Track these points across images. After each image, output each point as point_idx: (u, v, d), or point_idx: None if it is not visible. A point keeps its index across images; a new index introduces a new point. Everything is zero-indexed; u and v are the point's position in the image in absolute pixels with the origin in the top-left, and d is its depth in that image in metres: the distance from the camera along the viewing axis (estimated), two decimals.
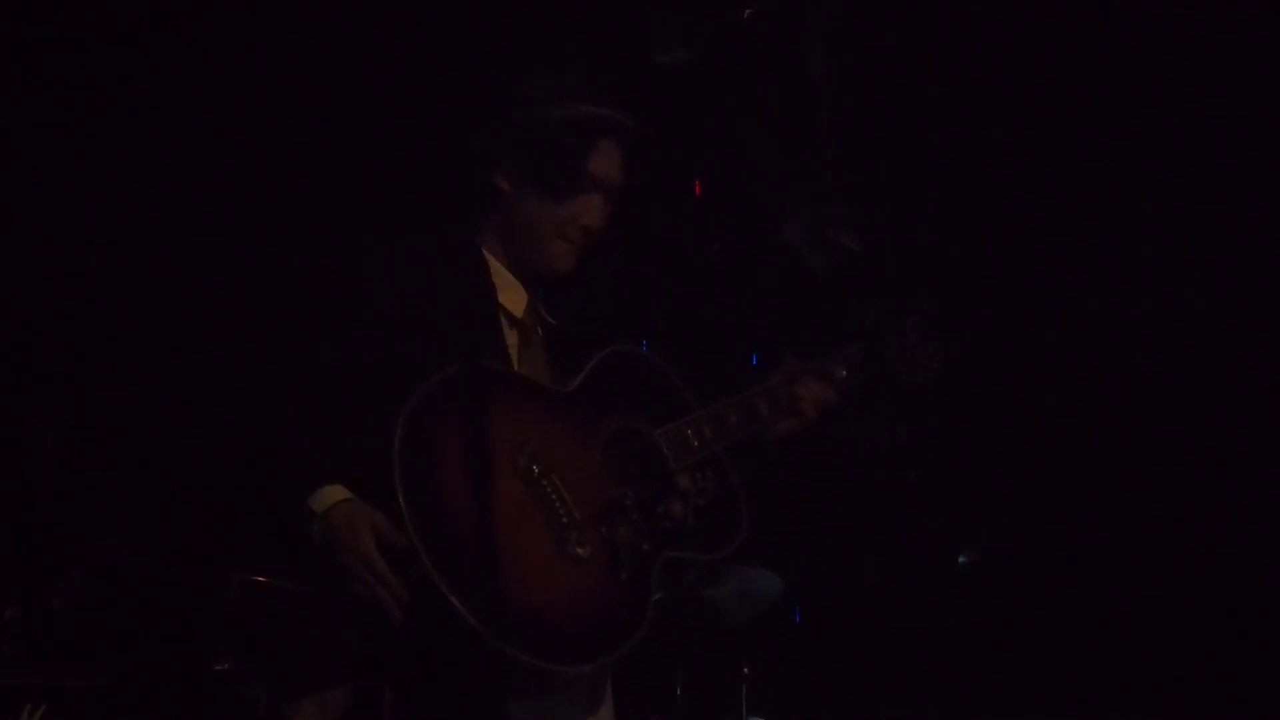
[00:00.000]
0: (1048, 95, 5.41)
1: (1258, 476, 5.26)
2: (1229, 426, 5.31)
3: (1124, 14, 5.31)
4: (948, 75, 5.38)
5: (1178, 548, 5.33)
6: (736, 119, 3.75)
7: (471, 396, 3.44)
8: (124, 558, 4.89)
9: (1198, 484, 5.33)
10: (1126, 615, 5.36)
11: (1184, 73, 5.26)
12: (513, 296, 3.73)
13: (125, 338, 5.32)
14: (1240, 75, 5.20)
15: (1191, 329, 5.33)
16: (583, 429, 3.57)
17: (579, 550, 3.43)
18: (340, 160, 5.32)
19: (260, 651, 4.77)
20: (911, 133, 5.42)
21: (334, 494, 3.39)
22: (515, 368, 3.68)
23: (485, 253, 3.75)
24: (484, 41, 5.04)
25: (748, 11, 4.18)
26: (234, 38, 5.31)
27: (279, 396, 3.49)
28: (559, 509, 3.45)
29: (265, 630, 4.79)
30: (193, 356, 5.28)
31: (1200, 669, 5.23)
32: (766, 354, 3.94)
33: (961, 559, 5.33)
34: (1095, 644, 5.38)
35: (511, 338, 3.72)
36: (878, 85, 5.22)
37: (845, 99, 4.26)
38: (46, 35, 5.18)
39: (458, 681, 3.38)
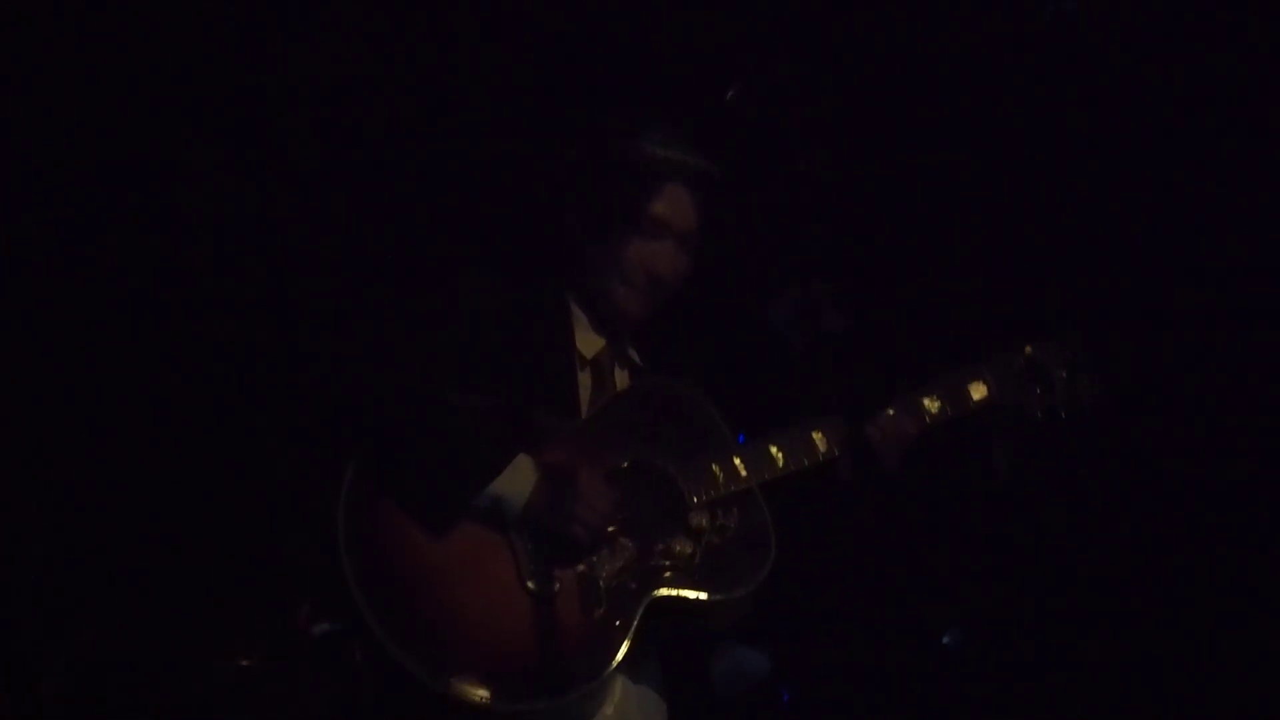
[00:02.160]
0: (1036, 173, 5.43)
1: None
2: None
3: (1104, 95, 5.35)
4: (934, 154, 5.41)
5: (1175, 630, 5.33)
6: (712, 210, 3.75)
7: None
8: (110, 645, 4.87)
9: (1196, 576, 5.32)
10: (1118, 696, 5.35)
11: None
12: (587, 338, 3.74)
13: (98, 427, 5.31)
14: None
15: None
16: (581, 463, 3.53)
17: (547, 586, 3.42)
18: (433, 185, 5.31)
19: None
20: (898, 212, 5.44)
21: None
22: (584, 411, 3.67)
23: (566, 291, 3.75)
24: (573, 73, 5.04)
25: (730, 93, 4.20)
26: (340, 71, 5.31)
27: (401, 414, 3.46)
28: (529, 545, 3.44)
29: (251, 715, 4.76)
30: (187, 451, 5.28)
31: None
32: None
33: (945, 639, 5.33)
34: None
35: (585, 379, 3.71)
36: (862, 164, 5.24)
37: (829, 178, 4.29)
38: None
39: None
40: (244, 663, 4.73)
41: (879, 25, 5.37)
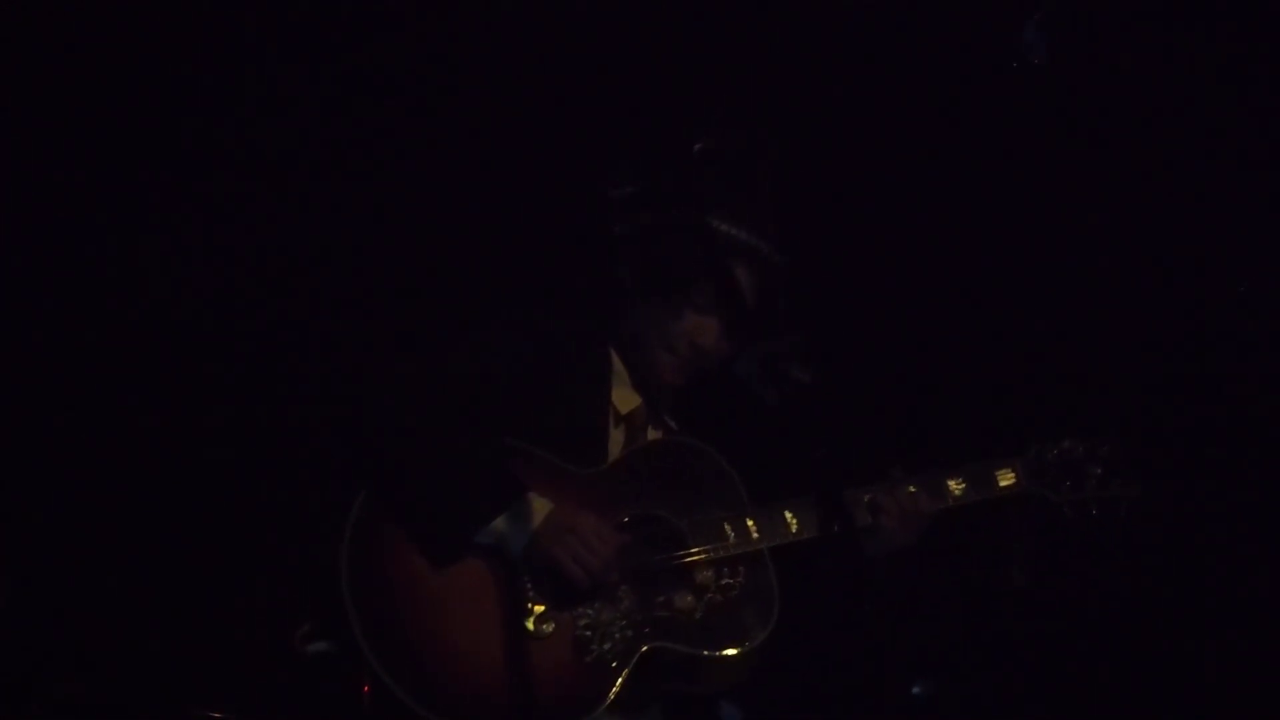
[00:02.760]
0: (1007, 235, 5.44)
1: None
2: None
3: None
4: (900, 212, 5.42)
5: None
6: (768, 296, 3.78)
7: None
8: (83, 694, 4.86)
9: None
10: None
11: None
12: (624, 394, 3.80)
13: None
14: None
15: None
16: (591, 510, 3.58)
17: (542, 627, 3.47)
18: (490, 221, 5.36)
19: None
20: (866, 263, 5.45)
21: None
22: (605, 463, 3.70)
23: (610, 346, 3.80)
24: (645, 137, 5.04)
25: (698, 146, 4.22)
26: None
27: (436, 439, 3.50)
28: (528, 585, 3.48)
29: None
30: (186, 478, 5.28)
31: None
32: None
33: (916, 690, 5.32)
34: None
35: (617, 435, 3.76)
36: (828, 219, 5.25)
37: (795, 231, 4.30)
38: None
39: None
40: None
41: (858, 74, 5.40)
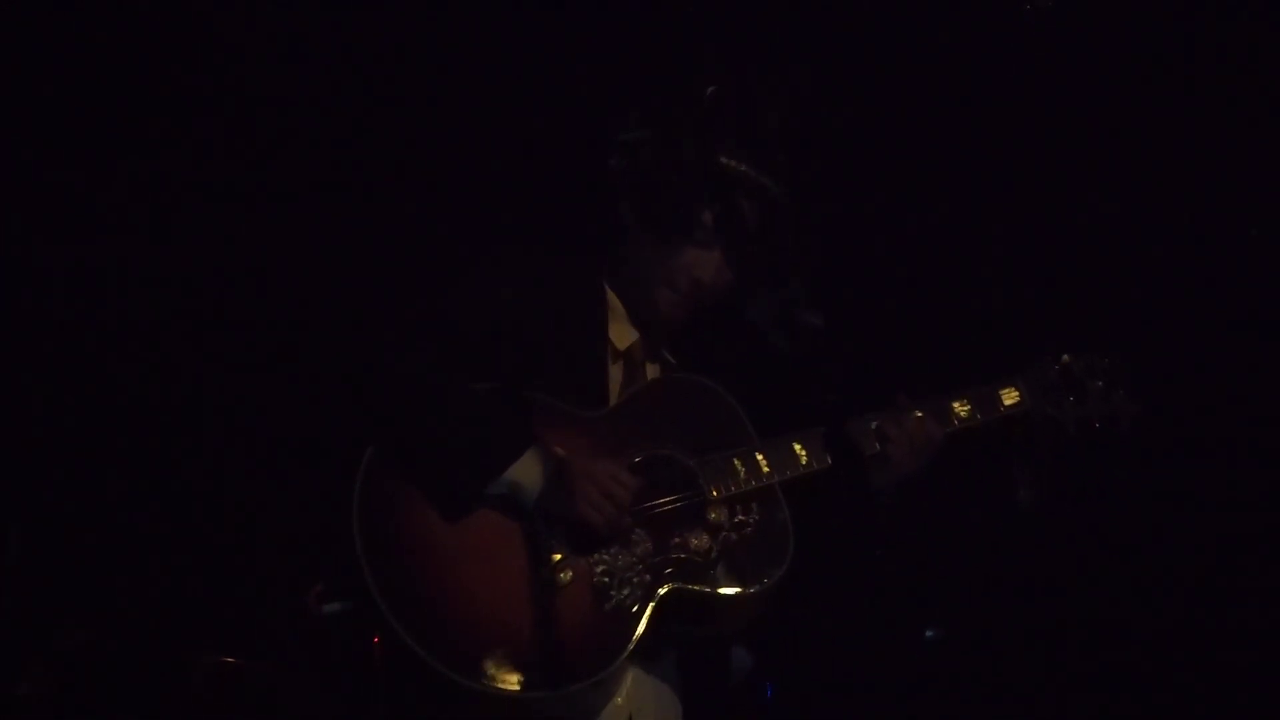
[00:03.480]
0: (1012, 166, 5.42)
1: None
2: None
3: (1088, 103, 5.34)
4: (909, 151, 5.40)
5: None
6: (770, 229, 3.73)
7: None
8: (90, 643, 4.87)
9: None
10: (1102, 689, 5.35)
11: None
12: (621, 330, 3.72)
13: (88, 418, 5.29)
14: None
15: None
16: (602, 453, 3.52)
17: (560, 576, 3.41)
18: (478, 174, 5.33)
19: None
20: (874, 207, 5.43)
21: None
22: (611, 402, 3.65)
23: (605, 284, 3.74)
24: (637, 74, 4.99)
25: (710, 89, 4.18)
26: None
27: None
28: (543, 534, 3.42)
29: (233, 712, 4.77)
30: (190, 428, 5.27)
31: None
32: None
33: (929, 634, 5.33)
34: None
35: (616, 371, 3.70)
36: (839, 162, 5.22)
37: (806, 174, 4.28)
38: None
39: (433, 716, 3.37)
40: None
41: (863, 24, 5.36)
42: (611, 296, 3.76)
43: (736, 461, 3.62)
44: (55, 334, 5.23)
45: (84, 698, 4.77)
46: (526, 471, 3.42)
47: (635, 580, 3.46)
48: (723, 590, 3.52)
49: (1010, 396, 3.89)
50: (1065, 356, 3.97)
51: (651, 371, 3.79)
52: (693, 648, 3.70)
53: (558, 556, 3.43)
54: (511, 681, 3.31)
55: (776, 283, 3.91)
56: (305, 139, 5.31)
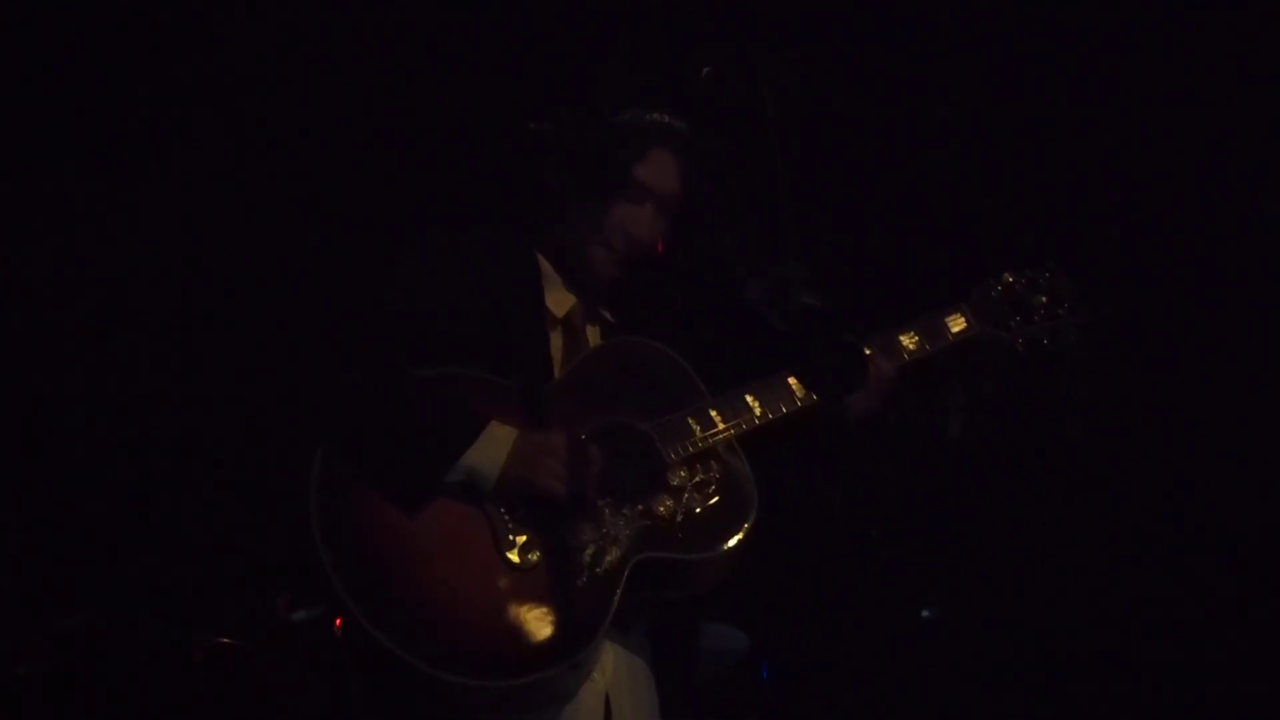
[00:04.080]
0: (1009, 145, 5.43)
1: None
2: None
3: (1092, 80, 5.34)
4: (906, 129, 5.40)
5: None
6: (696, 177, 3.71)
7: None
8: (90, 623, 4.87)
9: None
10: (1099, 670, 5.36)
11: None
12: (558, 298, 3.69)
13: (90, 395, 5.29)
14: None
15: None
16: (558, 424, 3.48)
17: (527, 557, 3.37)
18: (394, 155, 5.30)
19: (226, 715, 4.76)
20: (869, 187, 5.44)
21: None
22: (557, 371, 3.62)
23: (537, 254, 3.70)
24: (550, 39, 5.01)
25: (705, 70, 4.18)
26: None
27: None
28: (505, 516, 3.39)
29: (231, 693, 4.77)
30: (168, 407, 5.26)
31: None
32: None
33: (925, 614, 5.33)
34: (1061, 699, 5.39)
35: (556, 339, 3.67)
36: (834, 140, 5.24)
37: (802, 155, 4.27)
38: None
39: (418, 716, 3.35)
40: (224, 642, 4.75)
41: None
42: (544, 264, 3.72)
43: (690, 420, 3.58)
44: (50, 326, 5.21)
45: (83, 678, 4.77)
46: (483, 455, 3.38)
47: (604, 553, 3.42)
48: (693, 554, 3.48)
49: (957, 323, 3.86)
50: (1006, 275, 3.93)
51: (592, 335, 3.76)
52: (661, 618, 3.67)
53: (522, 538, 3.39)
54: (491, 671, 3.28)
55: (774, 262, 3.92)
56: (220, 130, 5.28)
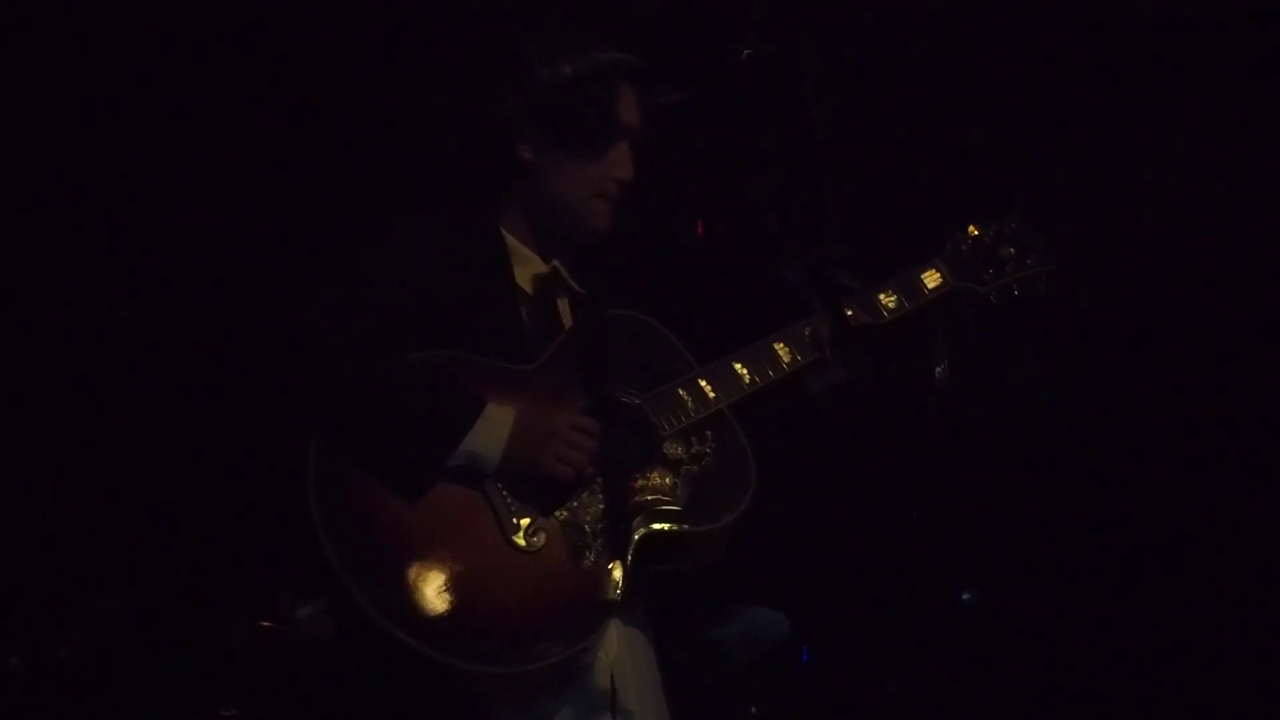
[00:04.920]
0: (1049, 129, 5.40)
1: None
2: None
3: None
4: (945, 112, 5.38)
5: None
6: (736, 159, 3.68)
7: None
8: (129, 605, 4.88)
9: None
10: (1135, 654, 5.34)
11: None
12: (525, 271, 3.63)
13: (127, 376, 5.30)
14: None
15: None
16: (547, 405, 3.42)
17: (533, 540, 3.32)
18: (348, 147, 5.27)
19: (266, 697, 4.76)
20: (909, 170, 5.42)
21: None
22: (529, 345, 3.55)
23: (503, 231, 3.64)
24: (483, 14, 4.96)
25: (746, 52, 4.16)
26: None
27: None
28: (507, 499, 3.34)
29: (270, 675, 4.78)
30: (196, 388, 5.26)
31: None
32: None
33: (965, 596, 5.31)
34: (1102, 682, 5.37)
35: (527, 316, 3.60)
36: (875, 123, 5.22)
37: (843, 137, 4.26)
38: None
39: (430, 705, 3.30)
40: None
41: None
42: (510, 240, 3.64)
43: (681, 392, 3.53)
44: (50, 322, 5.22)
45: (123, 660, 4.78)
46: (483, 439, 3.32)
47: (607, 531, 3.37)
48: (695, 526, 3.43)
49: (933, 279, 3.81)
50: (972, 228, 3.89)
51: (562, 307, 3.67)
52: (661, 593, 3.65)
53: (526, 521, 3.33)
54: (504, 658, 3.23)
55: (815, 244, 3.89)
56: (187, 124, 5.27)
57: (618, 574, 3.32)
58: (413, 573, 3.24)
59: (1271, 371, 5.27)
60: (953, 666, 5.40)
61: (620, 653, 3.49)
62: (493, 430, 3.34)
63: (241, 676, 4.77)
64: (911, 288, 3.80)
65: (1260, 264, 5.27)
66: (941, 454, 5.29)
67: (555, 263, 3.64)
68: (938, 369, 3.92)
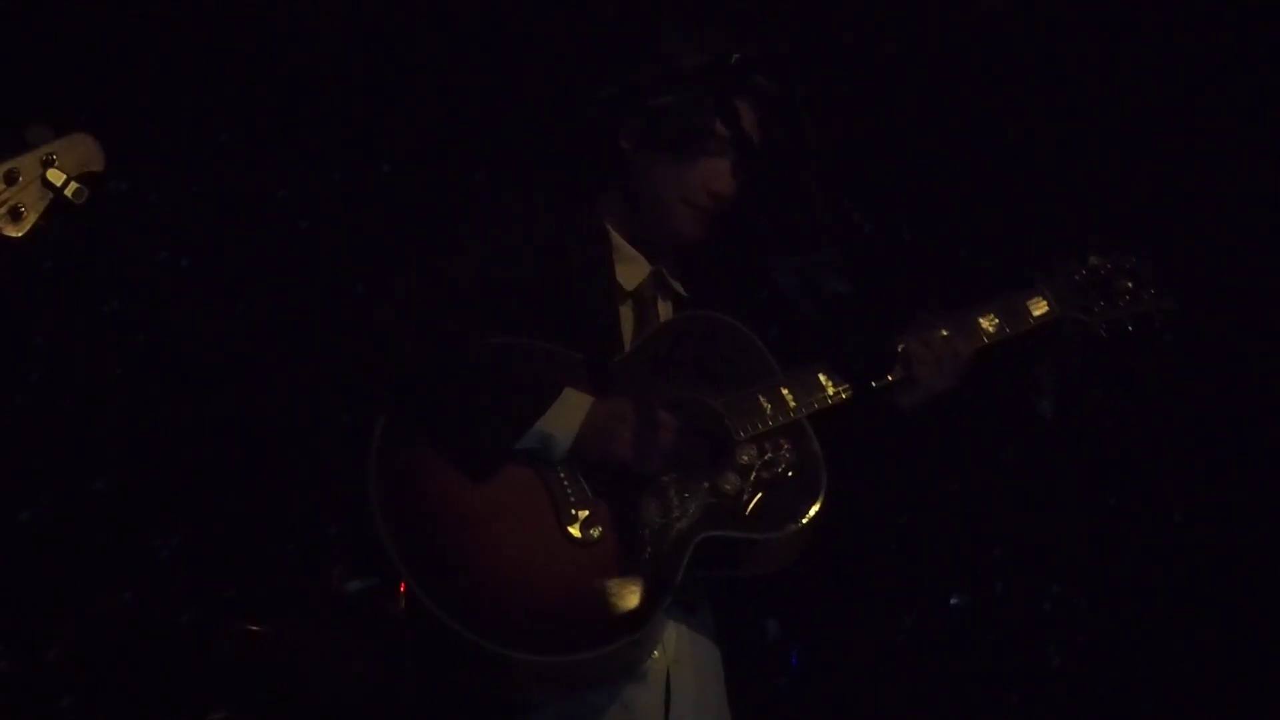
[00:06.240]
0: (1039, 139, 5.40)
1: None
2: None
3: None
4: (936, 119, 5.38)
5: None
6: (773, 126, 3.66)
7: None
8: (118, 610, 4.88)
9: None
10: (1127, 658, 5.35)
11: None
12: (629, 270, 3.64)
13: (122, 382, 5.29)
14: None
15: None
16: (626, 398, 3.42)
17: (590, 532, 3.33)
18: (461, 127, 5.28)
19: (255, 700, 4.76)
20: (899, 176, 5.42)
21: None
22: (627, 345, 3.56)
23: (606, 224, 3.64)
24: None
25: (735, 57, 4.16)
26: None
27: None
28: (567, 490, 3.35)
29: (260, 679, 4.77)
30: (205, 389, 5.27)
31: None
32: None
33: (953, 601, 5.32)
34: (1092, 685, 5.37)
35: (626, 312, 3.61)
36: (865, 128, 5.22)
37: (833, 143, 4.25)
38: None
39: (472, 689, 3.31)
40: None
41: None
42: (615, 236, 3.67)
43: (762, 398, 3.52)
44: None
45: (111, 664, 4.77)
46: (558, 421, 3.34)
47: (668, 530, 3.36)
48: (760, 534, 3.43)
49: (1039, 307, 3.79)
50: (1092, 257, 3.85)
51: (663, 309, 3.71)
52: (728, 598, 3.64)
53: (585, 513, 3.35)
54: (552, 647, 3.24)
55: (805, 248, 3.89)
56: (289, 119, 5.27)
57: (672, 574, 3.32)
58: (464, 556, 3.26)
59: (1271, 371, 5.26)
60: (940, 672, 5.41)
61: (681, 655, 3.51)
62: (569, 414, 3.35)
63: (230, 680, 4.76)
64: (1014, 312, 3.78)
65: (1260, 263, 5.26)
66: (936, 456, 5.29)
67: (659, 266, 3.65)
68: (1044, 402, 3.91)
